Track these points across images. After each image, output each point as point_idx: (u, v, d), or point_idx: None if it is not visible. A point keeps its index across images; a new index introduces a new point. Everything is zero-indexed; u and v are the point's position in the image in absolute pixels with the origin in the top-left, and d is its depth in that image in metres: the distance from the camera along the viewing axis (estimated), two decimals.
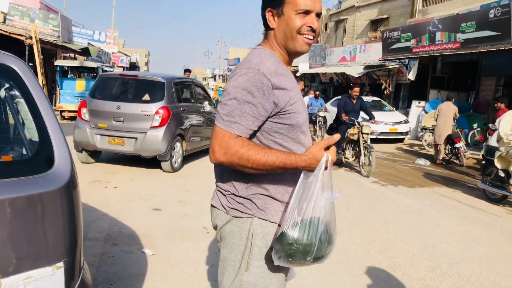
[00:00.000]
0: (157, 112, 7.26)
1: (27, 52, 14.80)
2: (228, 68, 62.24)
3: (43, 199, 1.44)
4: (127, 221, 4.74)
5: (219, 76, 75.58)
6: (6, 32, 14.60)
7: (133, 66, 61.69)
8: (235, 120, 1.53)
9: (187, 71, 12.16)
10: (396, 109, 18.64)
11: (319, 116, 15.96)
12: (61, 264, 1.52)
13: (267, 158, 1.53)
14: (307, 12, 1.63)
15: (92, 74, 16.52)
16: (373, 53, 23.72)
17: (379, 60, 21.23)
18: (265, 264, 1.65)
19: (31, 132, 1.59)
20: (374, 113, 11.23)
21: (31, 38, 14.78)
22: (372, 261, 4.15)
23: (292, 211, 1.57)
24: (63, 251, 1.52)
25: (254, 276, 1.64)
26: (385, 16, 24.01)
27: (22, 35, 14.72)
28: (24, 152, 1.55)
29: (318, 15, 1.68)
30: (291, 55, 1.74)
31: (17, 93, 1.62)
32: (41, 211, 1.44)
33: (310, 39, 1.67)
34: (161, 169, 7.59)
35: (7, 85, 1.65)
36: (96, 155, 8.08)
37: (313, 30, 1.66)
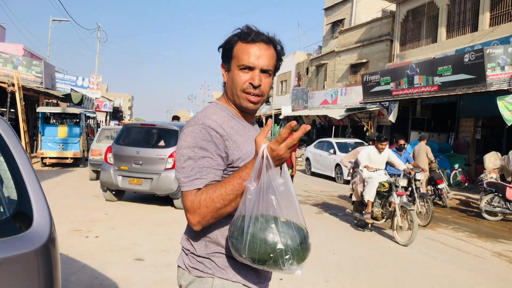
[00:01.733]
0: (170, 156, 8.20)
1: (8, 99, 14.73)
2: None
3: (19, 261, 1.40)
4: (109, 272, 4.60)
5: None
6: None
7: (116, 110, 61.85)
8: (196, 177, 1.50)
9: (176, 118, 12.13)
10: None
11: (415, 180, 7.87)
12: None
13: (225, 186, 1.46)
14: (250, 68, 1.58)
15: (74, 120, 16.47)
16: (354, 96, 24.24)
17: (360, 103, 21.68)
18: None
19: (9, 191, 1.56)
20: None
21: (13, 85, 14.77)
22: None
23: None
24: None
25: None
26: (364, 61, 24.73)
27: (4, 82, 14.71)
28: (1, 211, 1.52)
29: (264, 71, 1.60)
30: (243, 110, 1.67)
31: None
32: (16, 274, 1.40)
33: (253, 95, 1.60)
34: (174, 206, 8.51)
35: None
36: (120, 194, 9.14)
37: (254, 87, 1.59)
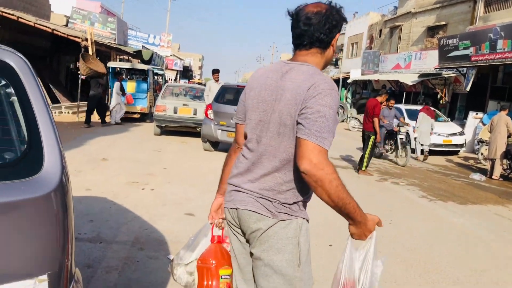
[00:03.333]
0: None
1: (82, 53, 15.32)
2: None
3: (24, 207, 1.32)
4: (158, 225, 4.66)
5: None
6: (64, 34, 15.22)
7: (187, 69, 63.03)
8: (325, 136, 1.64)
9: (216, 71, 11.92)
10: (451, 120, 17.76)
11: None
12: (44, 277, 1.40)
13: (347, 195, 1.68)
14: None
15: (142, 76, 16.88)
16: (429, 61, 22.79)
17: (435, 68, 20.35)
18: (308, 258, 1.85)
19: (21, 134, 1.48)
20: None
21: (86, 40, 15.30)
22: (411, 284, 3.82)
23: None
24: (47, 262, 1.40)
25: (304, 271, 1.80)
26: (443, 23, 23.01)
27: (78, 37, 15.28)
28: (9, 155, 1.44)
29: None
30: None
31: (12, 91, 1.52)
32: (21, 220, 1.32)
33: None
34: None
35: (3, 82, 1.55)
36: (216, 145, 10.48)
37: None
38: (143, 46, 32.18)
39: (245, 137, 1.96)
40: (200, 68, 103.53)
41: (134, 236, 4.26)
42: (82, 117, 15.75)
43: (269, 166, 1.81)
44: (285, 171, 1.80)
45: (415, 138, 13.31)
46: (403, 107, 16.52)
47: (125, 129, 13.55)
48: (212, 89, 11.06)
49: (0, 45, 1.56)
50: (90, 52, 15.45)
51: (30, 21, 14.85)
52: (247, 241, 1.91)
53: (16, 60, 1.53)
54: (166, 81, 24.32)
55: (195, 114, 12.13)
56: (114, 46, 18.96)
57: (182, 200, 5.82)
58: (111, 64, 15.66)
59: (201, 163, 8.87)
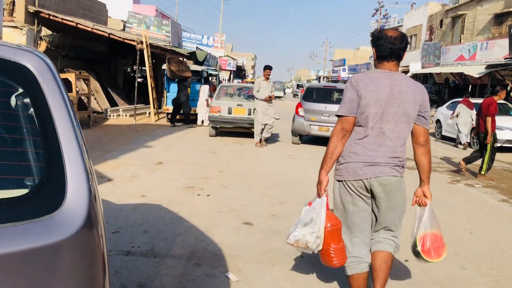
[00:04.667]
0: None
1: (138, 57, 15.48)
2: (333, 69, 60.87)
3: (39, 256, 0.99)
4: (214, 235, 4.35)
5: (323, 78, 74.38)
6: (120, 38, 15.44)
7: (240, 69, 63.29)
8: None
9: (268, 68, 11.03)
10: None
11: None
12: None
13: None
14: None
15: (197, 77, 16.83)
16: (497, 51, 21.23)
17: (505, 58, 18.89)
18: None
19: (39, 157, 1.14)
20: (498, 117, 10.08)
21: (142, 43, 15.44)
22: None
23: None
24: None
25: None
26: None
27: (134, 40, 15.45)
28: (21, 186, 1.10)
29: None
30: None
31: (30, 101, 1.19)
32: (36, 274, 0.99)
33: None
34: None
35: (20, 90, 1.23)
36: (302, 138, 11.76)
37: None
38: (197, 48, 32.46)
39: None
40: (253, 67, 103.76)
41: (190, 249, 3.96)
42: (139, 119, 15.95)
43: (395, 144, 2.76)
44: (403, 147, 2.80)
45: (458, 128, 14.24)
46: (472, 101, 15.35)
47: (181, 131, 13.51)
48: (262, 87, 10.63)
49: (18, 45, 1.25)
50: (146, 55, 15.60)
51: (88, 27, 15.19)
52: (373, 199, 2.86)
53: (35, 62, 1.21)
54: (220, 82, 24.30)
55: (249, 114, 11.82)
56: (169, 48, 19.07)
57: (239, 206, 5.49)
58: (165, 66, 15.69)
59: (257, 165, 8.53)
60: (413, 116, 2.76)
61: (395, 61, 2.83)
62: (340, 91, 11.42)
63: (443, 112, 16.47)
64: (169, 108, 15.42)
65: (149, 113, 16.48)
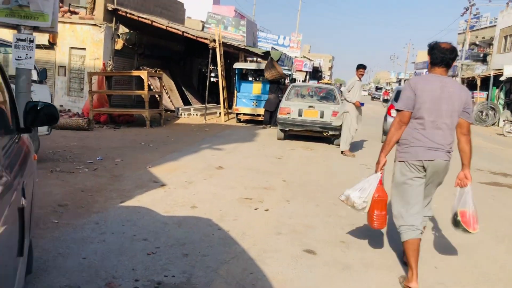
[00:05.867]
0: None
1: (210, 55, 15.14)
2: (415, 72, 57.69)
3: None
4: (267, 266, 3.58)
5: (405, 80, 70.81)
6: (194, 36, 15.17)
7: (316, 70, 61.99)
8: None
9: (361, 67, 9.71)
10: None
11: None
12: None
13: None
14: None
15: None
16: None
17: None
18: None
19: None
20: None
21: (214, 41, 15.08)
22: None
23: None
24: None
25: None
26: None
27: (206, 39, 15.13)
28: None
29: None
30: None
31: None
32: None
33: None
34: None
35: None
36: None
37: None
38: (272, 47, 31.93)
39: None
40: (330, 68, 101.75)
41: (234, 284, 3.22)
42: (209, 119, 15.62)
43: (446, 134, 3.42)
44: (453, 136, 3.47)
45: None
46: None
47: (249, 131, 12.92)
48: (356, 87, 9.59)
49: None
50: (218, 54, 15.23)
51: (163, 25, 15.09)
52: (425, 177, 3.50)
53: None
54: (294, 82, 23.50)
55: (321, 117, 10.92)
56: (242, 47, 18.62)
57: (301, 227, 4.67)
58: (237, 65, 15.24)
59: (327, 175, 7.63)
60: (459, 111, 3.40)
61: (444, 68, 3.46)
62: None
63: None
64: (239, 108, 14.94)
65: (220, 113, 16.11)
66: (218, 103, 17.40)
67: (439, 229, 4.96)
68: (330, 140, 11.47)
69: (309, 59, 55.09)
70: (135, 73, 14.18)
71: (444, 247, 4.48)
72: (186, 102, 18.59)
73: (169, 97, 17.43)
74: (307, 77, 50.84)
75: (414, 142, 3.44)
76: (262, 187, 6.28)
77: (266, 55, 21.67)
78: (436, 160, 3.41)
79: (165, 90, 17.45)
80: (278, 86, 14.60)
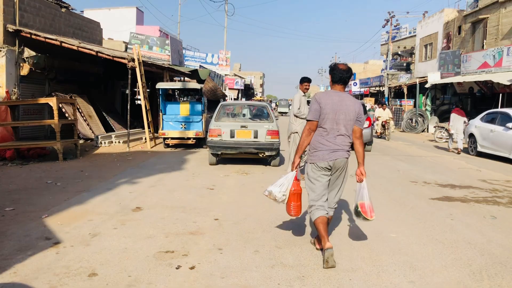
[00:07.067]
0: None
1: (129, 76, 13.75)
2: None
3: None
4: None
5: None
6: (109, 56, 13.73)
7: (248, 87, 61.70)
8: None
9: (306, 80, 8.87)
10: None
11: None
12: None
13: None
14: None
15: (196, 97, 15.07)
16: None
17: None
18: None
19: None
20: None
21: (133, 60, 13.73)
22: None
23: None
24: None
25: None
26: None
27: (124, 58, 13.75)
28: None
29: None
30: None
31: None
32: None
33: None
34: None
35: None
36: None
37: None
38: (200, 66, 30.87)
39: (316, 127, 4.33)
40: (262, 85, 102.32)
41: None
42: (134, 146, 14.16)
43: (344, 138, 4.25)
44: (349, 140, 4.29)
45: (451, 135, 16.20)
46: (511, 111, 13.28)
47: (177, 159, 11.63)
48: (303, 103, 8.55)
49: None
50: (138, 74, 13.88)
51: (73, 45, 13.53)
52: (331, 173, 4.30)
53: None
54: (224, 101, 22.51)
55: (255, 137, 9.93)
56: (166, 66, 17.37)
57: None
58: (160, 85, 13.91)
59: (266, 205, 6.55)
60: (353, 120, 4.27)
61: (342, 85, 4.35)
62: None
63: (477, 125, 14.39)
64: (166, 132, 13.60)
65: (145, 139, 14.67)
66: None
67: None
68: (266, 161, 10.49)
69: (240, 76, 54.65)
70: (42, 100, 12.45)
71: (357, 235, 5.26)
72: (109, 128, 16.97)
73: (87, 125, 15.74)
74: (239, 95, 50.24)
75: (320, 146, 4.26)
76: (188, 231, 5.08)
77: (193, 73, 20.60)
78: (338, 159, 4.25)
79: (83, 117, 15.77)
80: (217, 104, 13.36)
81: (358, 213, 4.41)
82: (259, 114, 11.43)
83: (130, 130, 14.32)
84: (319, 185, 4.30)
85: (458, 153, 15.01)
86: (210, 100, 13.38)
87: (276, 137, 9.94)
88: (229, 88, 43.10)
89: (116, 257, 4.21)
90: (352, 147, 4.34)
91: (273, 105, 58.80)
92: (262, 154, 9.97)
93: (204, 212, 5.99)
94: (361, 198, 4.36)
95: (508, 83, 18.52)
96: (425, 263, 4.26)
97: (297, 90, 9.18)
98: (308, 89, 8.69)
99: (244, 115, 11.82)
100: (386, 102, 25.41)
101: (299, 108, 8.51)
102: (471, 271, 4.09)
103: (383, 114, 20.62)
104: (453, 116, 16.03)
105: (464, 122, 15.56)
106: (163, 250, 4.42)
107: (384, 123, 20.34)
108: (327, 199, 4.36)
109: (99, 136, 14.32)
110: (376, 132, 20.58)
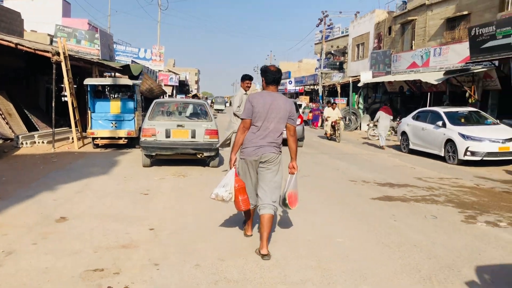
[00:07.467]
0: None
1: (54, 71, 12.69)
2: None
3: None
4: None
5: None
6: (31, 49, 12.59)
7: (183, 84, 60.53)
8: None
9: (247, 78, 8.49)
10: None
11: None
12: None
13: None
14: None
15: (128, 93, 14.25)
16: (452, 56, 20.25)
17: (466, 63, 17.79)
18: None
19: None
20: (474, 127, 12.67)
21: (58, 54, 12.70)
22: None
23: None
24: None
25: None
26: (465, 13, 20.48)
27: (48, 51, 12.68)
28: None
29: None
30: None
31: None
32: None
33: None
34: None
35: None
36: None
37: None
38: (132, 61, 29.64)
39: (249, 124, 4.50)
40: (197, 82, 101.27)
41: None
42: (60, 146, 13.13)
43: (275, 135, 4.46)
44: (280, 137, 4.53)
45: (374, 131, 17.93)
46: (441, 110, 13.79)
47: (108, 160, 10.87)
48: (243, 101, 8.04)
49: None
50: (64, 68, 12.87)
51: None
52: (261, 167, 4.50)
53: None
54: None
55: (193, 137, 9.46)
56: (95, 60, 16.34)
57: None
58: (88, 81, 12.96)
59: (206, 210, 6.15)
60: (285, 118, 4.49)
61: (275, 85, 4.59)
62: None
63: (409, 123, 14.85)
64: (95, 131, 12.71)
65: (72, 139, 13.65)
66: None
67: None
68: (205, 162, 10.06)
69: (174, 73, 53.45)
70: None
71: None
72: (32, 127, 15.66)
73: (7, 123, 14.40)
74: (174, 91, 49.10)
75: (249, 143, 4.47)
76: (120, 244, 4.57)
77: (125, 69, 19.64)
78: (266, 154, 4.45)
79: (1, 115, 14.42)
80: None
81: (284, 203, 4.75)
82: (197, 113, 10.95)
83: (56, 129, 13.26)
84: (249, 180, 4.55)
85: (383, 148, 15.84)
86: (149, 98, 12.59)
87: (215, 137, 9.54)
88: (165, 85, 41.92)
89: (35, 280, 3.64)
90: (285, 143, 4.51)
91: (209, 101, 58.27)
92: (201, 155, 9.53)
93: (138, 221, 5.48)
94: (290, 188, 4.68)
95: (436, 83, 19.36)
96: (375, 270, 4.08)
97: (233, 88, 8.87)
98: (249, 87, 8.34)
99: (180, 113, 11.26)
100: (333, 100, 24.28)
101: (238, 106, 8.15)
102: (421, 277, 3.96)
103: (333, 114, 19.05)
104: (380, 113, 16.47)
105: (391, 120, 16.17)
106: (91, 268, 3.89)
107: (334, 123, 18.70)
108: (257, 196, 4.57)
109: (20, 136, 13.12)
110: (326, 133, 19.42)
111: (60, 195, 6.84)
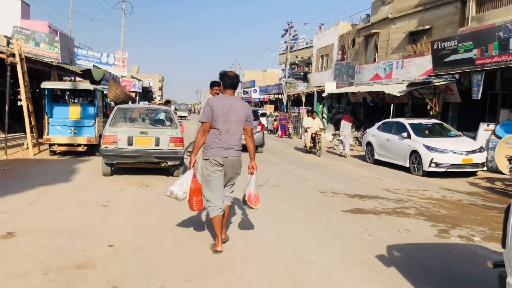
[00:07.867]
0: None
1: (8, 73, 11.93)
2: (243, 90, 59.56)
3: None
4: None
5: None
6: None
7: (146, 90, 59.39)
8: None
9: (215, 84, 8.37)
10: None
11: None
12: None
13: None
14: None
15: (88, 98, 13.61)
16: (414, 69, 20.67)
17: (429, 76, 18.15)
18: None
19: None
20: (438, 139, 12.84)
21: (13, 56, 11.97)
22: None
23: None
24: None
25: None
26: (427, 27, 20.96)
27: (2, 52, 11.93)
28: None
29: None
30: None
31: None
32: None
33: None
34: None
35: None
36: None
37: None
38: (94, 65, 28.71)
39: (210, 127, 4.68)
40: (161, 89, 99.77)
41: None
42: (13, 153, 12.34)
43: (235, 137, 4.68)
44: (240, 139, 4.75)
45: (340, 141, 17.62)
46: (405, 121, 13.91)
47: (65, 168, 10.24)
48: None
49: None
50: (20, 71, 12.14)
51: None
52: (222, 169, 4.66)
53: None
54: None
55: (157, 144, 9.04)
56: (55, 64, 15.59)
57: None
58: (45, 84, 12.26)
59: (170, 225, 5.75)
60: (243, 120, 4.72)
61: (232, 90, 4.82)
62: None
63: (374, 133, 14.91)
64: (52, 138, 12.02)
65: (27, 145, 12.88)
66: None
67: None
68: (169, 171, 9.63)
69: (138, 79, 52.39)
70: None
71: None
72: None
73: None
74: (137, 98, 48.05)
75: (213, 144, 4.62)
76: (74, 264, 4.12)
77: (86, 73, 18.91)
78: (229, 157, 4.64)
79: None
80: None
81: (245, 202, 4.90)
82: (161, 120, 10.51)
83: (9, 135, 12.46)
84: (213, 181, 4.64)
85: (345, 157, 16.35)
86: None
87: (181, 145, 9.14)
88: (128, 91, 40.89)
89: None
90: (244, 145, 4.64)
91: (173, 107, 57.46)
92: (165, 163, 9.11)
93: (95, 236, 5.03)
94: (249, 189, 4.83)
95: (399, 95, 19.64)
96: None
97: (198, 95, 8.60)
98: (218, 93, 8.03)
99: (143, 120, 10.80)
100: (298, 109, 24.01)
101: None
102: None
103: (313, 124, 17.09)
104: (343, 123, 17.01)
105: (352, 126, 16.92)
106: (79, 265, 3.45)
107: (314, 135, 16.82)
108: (222, 196, 4.71)
109: None
110: (305, 145, 17.43)
111: (9, 207, 6.27)
